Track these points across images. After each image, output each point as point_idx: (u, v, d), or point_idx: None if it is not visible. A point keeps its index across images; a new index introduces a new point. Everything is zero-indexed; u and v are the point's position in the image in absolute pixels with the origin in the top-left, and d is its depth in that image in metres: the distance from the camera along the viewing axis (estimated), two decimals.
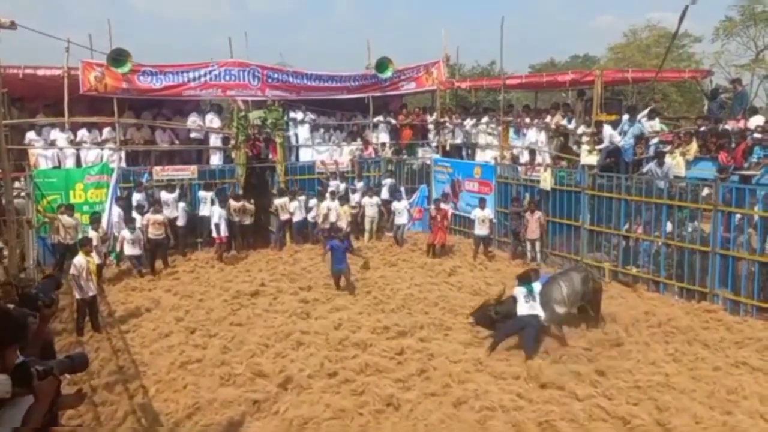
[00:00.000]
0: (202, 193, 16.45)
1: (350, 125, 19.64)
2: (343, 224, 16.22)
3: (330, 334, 10.54)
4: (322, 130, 19.12)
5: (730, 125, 13.59)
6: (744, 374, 8.76)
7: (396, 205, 17.38)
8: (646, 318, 10.98)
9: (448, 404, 8.11)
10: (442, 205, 16.29)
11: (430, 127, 19.99)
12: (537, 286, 9.99)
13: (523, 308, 9.75)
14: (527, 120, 17.29)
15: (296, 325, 11.08)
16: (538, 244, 14.98)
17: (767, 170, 11.95)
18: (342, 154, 18.92)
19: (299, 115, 18.56)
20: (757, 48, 35.11)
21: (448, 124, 19.39)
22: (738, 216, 11.45)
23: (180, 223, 16.04)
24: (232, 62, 17.52)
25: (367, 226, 17.47)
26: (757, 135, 12.82)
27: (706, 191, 11.97)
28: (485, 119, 18.43)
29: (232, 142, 17.02)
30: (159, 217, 14.87)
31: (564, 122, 16.32)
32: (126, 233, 14.10)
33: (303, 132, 18.61)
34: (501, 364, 9.29)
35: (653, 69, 17.15)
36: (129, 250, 14.20)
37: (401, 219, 17.28)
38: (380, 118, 19.61)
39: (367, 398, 8.31)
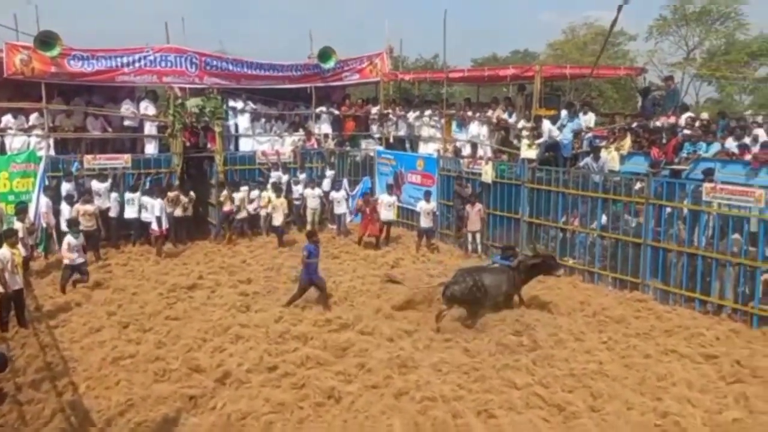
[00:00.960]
0: (128, 195, 15.61)
1: (292, 115, 19.37)
2: (279, 217, 16.00)
3: (270, 327, 10.35)
4: (263, 120, 18.79)
5: (661, 122, 14.09)
6: (673, 361, 9.08)
7: (334, 194, 17.25)
8: (581, 308, 11.27)
9: (389, 396, 8.10)
10: (383, 197, 16.26)
11: (374, 118, 19.92)
12: None
13: None
14: (469, 113, 17.46)
15: (235, 318, 10.85)
16: (478, 236, 15.14)
17: (696, 165, 12.43)
18: (284, 145, 18.64)
19: (239, 104, 18.18)
20: (688, 47, 36.65)
21: (391, 117, 19.38)
22: (668, 209, 11.86)
23: (112, 214, 15.46)
24: (168, 48, 16.98)
25: (309, 218, 17.28)
26: (686, 131, 13.35)
27: (638, 185, 12.35)
28: (428, 112, 18.51)
29: (169, 130, 16.49)
30: (89, 208, 14.27)
31: (505, 116, 16.56)
32: (71, 239, 12.29)
33: (243, 121, 18.25)
34: (441, 354, 9.34)
35: (590, 66, 17.57)
36: (70, 258, 12.29)
37: (340, 209, 17.19)
38: (323, 108, 19.42)
39: (308, 391, 8.22)
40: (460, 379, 8.54)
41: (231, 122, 18.06)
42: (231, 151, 17.82)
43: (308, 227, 17.17)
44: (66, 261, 12.33)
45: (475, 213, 14.92)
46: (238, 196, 16.35)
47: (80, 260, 12.47)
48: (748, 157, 11.91)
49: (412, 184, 17.67)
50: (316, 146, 18.82)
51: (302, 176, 17.81)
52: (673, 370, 8.73)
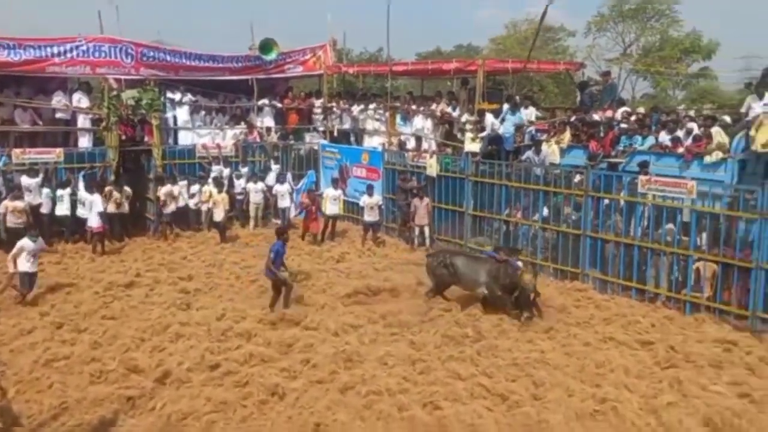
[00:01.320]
0: (59, 192, 14.87)
1: (233, 108, 18.98)
2: (220, 212, 15.63)
3: (212, 324, 10.14)
4: (203, 113, 18.36)
5: (599, 116, 14.44)
6: (611, 349, 9.32)
7: (278, 188, 16.96)
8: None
9: (334, 391, 8.04)
10: (328, 191, 16.09)
11: (317, 112, 19.71)
12: None
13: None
14: (413, 107, 17.48)
15: (175, 316, 10.56)
16: (427, 230, 15.09)
17: (632, 158, 12.80)
18: (225, 138, 18.24)
19: (178, 96, 17.73)
20: (625, 43, 37.76)
21: (335, 110, 19.23)
22: (606, 201, 12.17)
23: (44, 210, 14.80)
24: (102, 38, 16.39)
25: (252, 213, 16.99)
26: (623, 125, 13.73)
27: (578, 178, 12.62)
28: (372, 105, 18.44)
29: (103, 123, 15.89)
30: (19, 204, 13.65)
31: (449, 110, 16.66)
32: (27, 243, 11.30)
33: (182, 114, 17.79)
34: (387, 347, 9.33)
35: (531, 60, 17.86)
36: (24, 266, 11.19)
37: (284, 202, 16.92)
38: (265, 101, 19.10)
39: (251, 389, 8.09)
40: (405, 372, 8.54)
41: (169, 115, 17.62)
42: (170, 144, 17.35)
43: (251, 222, 16.93)
44: (21, 269, 11.12)
45: (423, 207, 14.90)
46: (174, 189, 15.89)
47: (33, 269, 11.32)
48: (680, 150, 12.33)
49: (358, 178, 17.59)
50: (258, 140, 18.49)
51: (244, 170, 17.48)
52: (611, 357, 8.97)
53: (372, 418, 7.47)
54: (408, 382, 8.25)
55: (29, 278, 11.29)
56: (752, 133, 11.39)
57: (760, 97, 11.94)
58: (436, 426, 7.24)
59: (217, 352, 9.17)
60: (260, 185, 16.95)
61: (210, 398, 7.84)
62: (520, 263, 10.75)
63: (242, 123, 18.75)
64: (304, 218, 15.95)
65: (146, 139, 16.81)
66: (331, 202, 15.82)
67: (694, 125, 12.86)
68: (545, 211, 13.18)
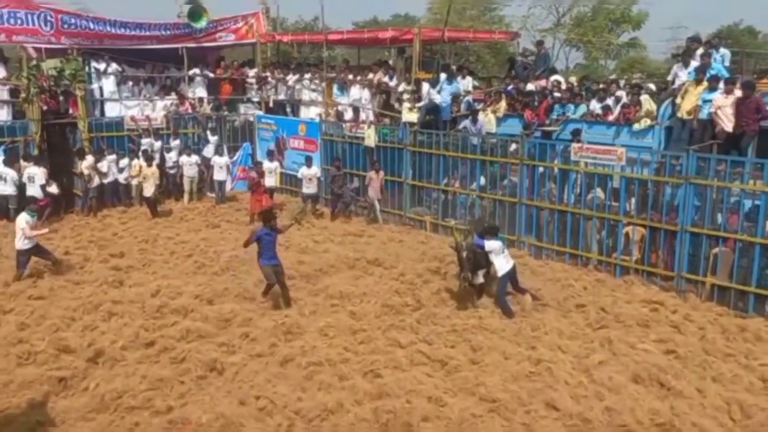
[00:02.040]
0: None
1: (163, 78, 18.27)
2: (151, 186, 15.03)
3: (146, 302, 9.87)
4: (130, 83, 17.59)
5: (533, 85, 14.65)
6: (544, 312, 9.58)
7: (216, 160, 16.49)
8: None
9: (274, 364, 7.99)
10: (265, 164, 15.72)
11: (251, 82, 19.22)
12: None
13: (503, 262, 9.67)
14: (350, 77, 17.27)
15: (107, 294, 10.22)
16: (378, 204, 14.73)
17: (565, 126, 13.06)
18: (155, 110, 17.59)
19: (103, 66, 16.91)
20: (559, 13, 38.36)
21: (270, 80, 18.79)
22: (541, 169, 12.41)
23: None
24: (17, 4, 15.42)
25: (186, 187, 16.52)
26: (556, 94, 13.98)
27: (513, 146, 12.80)
28: (308, 75, 18.11)
29: (23, 95, 15.03)
30: None
31: (386, 80, 16.54)
32: (28, 217, 10.83)
33: (108, 85, 17.05)
34: (327, 319, 9.32)
35: (468, 29, 17.88)
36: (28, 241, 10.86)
37: (221, 175, 16.47)
38: (196, 71, 18.45)
39: (189, 365, 7.95)
40: (346, 342, 8.57)
41: (95, 86, 16.83)
42: (96, 116, 16.61)
43: (186, 197, 16.46)
44: (26, 245, 10.77)
45: (378, 180, 14.48)
46: (104, 164, 15.25)
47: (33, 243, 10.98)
48: (611, 117, 12.66)
49: (295, 150, 17.32)
50: (190, 111, 17.90)
51: (175, 143, 16.92)
52: (545, 320, 9.24)
53: (313, 388, 7.46)
54: (348, 352, 8.28)
55: (38, 251, 11.14)
56: (678, 100, 11.79)
57: (686, 65, 12.37)
58: (377, 393, 7.29)
59: (153, 329, 8.96)
60: (194, 158, 16.46)
61: (146, 376, 7.67)
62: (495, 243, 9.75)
63: (173, 94, 18.08)
64: (252, 194, 15.17)
65: (71, 111, 16.04)
66: (268, 175, 15.53)
67: (622, 93, 13.21)
68: (482, 180, 13.34)
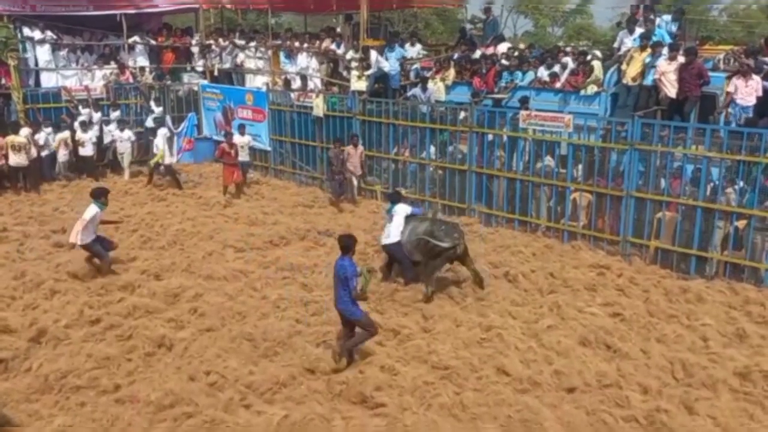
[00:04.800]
0: None
1: (101, 46, 17.47)
2: (88, 149, 14.49)
3: (91, 278, 9.55)
4: (66, 51, 16.75)
5: (481, 51, 14.62)
6: (495, 279, 9.68)
7: (160, 131, 15.70)
8: None
9: (225, 339, 7.86)
10: (236, 139, 14.70)
11: (195, 50, 18.57)
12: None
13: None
14: (297, 44, 16.88)
15: (49, 271, 9.82)
16: (356, 180, 14.05)
17: (514, 94, 13.10)
18: (94, 79, 16.84)
19: (37, 34, 16.06)
20: None
21: (214, 48, 18.19)
22: (490, 137, 12.45)
23: None
24: None
25: (124, 163, 15.78)
26: (504, 61, 13.98)
27: (463, 114, 12.78)
28: (253, 43, 17.61)
29: None
30: None
31: (333, 47, 16.23)
32: (97, 210, 9.89)
33: (43, 53, 16.18)
34: (279, 291, 9.21)
35: None
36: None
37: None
38: (136, 39, 17.69)
39: (136, 342, 7.80)
40: (298, 314, 8.49)
41: (29, 55, 15.96)
42: (31, 87, 15.80)
43: (126, 173, 15.73)
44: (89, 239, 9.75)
45: (357, 155, 13.77)
46: (41, 136, 14.57)
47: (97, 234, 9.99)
48: (558, 84, 12.75)
49: (244, 119, 16.89)
50: (131, 80, 17.21)
51: (115, 114, 16.25)
52: (496, 287, 9.35)
53: (264, 362, 7.39)
54: (301, 324, 8.22)
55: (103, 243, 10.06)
56: (623, 67, 11.95)
57: (631, 32, 12.51)
58: (329, 363, 7.27)
59: (97, 306, 8.73)
60: (127, 133, 15.66)
61: (91, 354, 7.47)
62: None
63: (112, 63, 17.32)
64: (225, 166, 14.31)
65: (3, 81, 15.22)
66: (240, 150, 14.64)
67: (569, 59, 13.30)
68: (432, 149, 13.31)
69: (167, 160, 14.77)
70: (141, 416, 6.40)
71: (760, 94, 10.34)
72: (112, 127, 15.83)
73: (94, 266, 9.87)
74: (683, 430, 6.18)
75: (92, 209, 9.74)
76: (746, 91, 10.35)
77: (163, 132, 15.12)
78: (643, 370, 7.21)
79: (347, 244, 7.29)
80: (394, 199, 9.85)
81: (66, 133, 15.04)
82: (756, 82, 10.32)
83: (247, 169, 15.28)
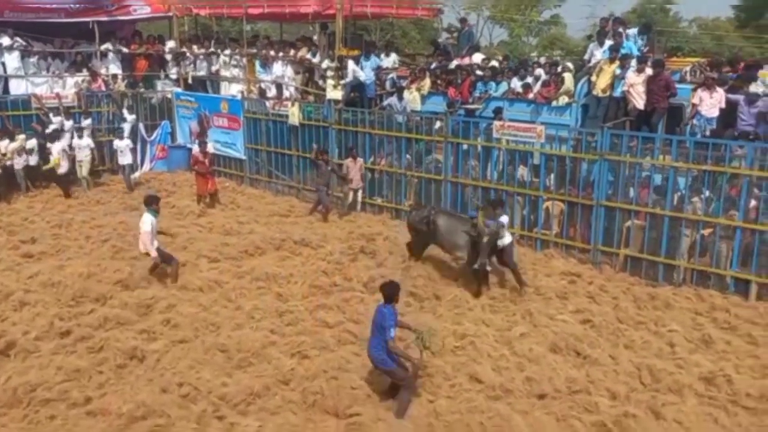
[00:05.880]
0: None
1: (73, 54, 17.30)
2: (65, 164, 14.25)
3: (61, 289, 9.42)
4: (36, 58, 16.52)
5: (457, 62, 14.77)
6: (463, 287, 9.74)
7: (117, 143, 15.60)
8: (390, 246, 11.55)
9: (198, 350, 7.83)
10: (209, 148, 14.67)
11: (168, 57, 18.47)
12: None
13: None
14: (272, 53, 16.89)
15: (18, 283, 9.68)
16: (360, 194, 13.78)
17: (488, 104, 13.26)
18: (65, 87, 16.63)
19: (6, 41, 15.83)
20: None
21: (188, 55, 18.12)
22: (465, 146, 12.58)
23: None
24: None
25: (80, 173, 15.30)
26: (479, 72, 14.15)
27: (438, 124, 12.91)
28: (227, 51, 17.58)
29: None
30: None
31: (309, 56, 16.27)
32: (152, 218, 9.88)
33: (12, 60, 15.94)
34: (253, 301, 9.20)
35: (390, 5, 17.72)
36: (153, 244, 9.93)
37: (125, 159, 15.58)
38: (109, 46, 17.53)
39: (107, 354, 7.74)
40: (272, 325, 8.49)
41: None
42: None
43: (84, 183, 15.35)
44: (154, 251, 9.79)
45: (357, 168, 13.52)
46: (11, 146, 14.34)
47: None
48: (531, 95, 12.94)
49: (220, 128, 16.82)
50: (103, 88, 17.04)
51: (87, 122, 16.05)
52: (468, 295, 9.44)
53: (238, 373, 7.38)
54: (275, 334, 8.22)
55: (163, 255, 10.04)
56: (593, 78, 12.17)
57: (601, 44, 12.76)
58: (304, 374, 7.28)
59: (68, 317, 8.62)
60: (86, 140, 15.27)
61: (61, 367, 7.40)
62: (504, 218, 9.63)
63: (84, 70, 17.15)
64: (197, 176, 14.24)
65: None
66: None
67: (541, 71, 13.52)
68: (408, 158, 13.40)
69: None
70: (112, 429, 6.36)
71: (723, 106, 10.60)
72: (85, 135, 15.47)
73: (155, 274, 9.95)
74: None
75: (147, 218, 9.74)
76: (710, 103, 10.61)
77: (61, 144, 14.86)
78: (612, 376, 7.36)
79: (390, 293, 6.74)
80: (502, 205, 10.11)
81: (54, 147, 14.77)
82: (720, 95, 10.59)
83: (131, 170, 15.72)
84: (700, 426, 6.48)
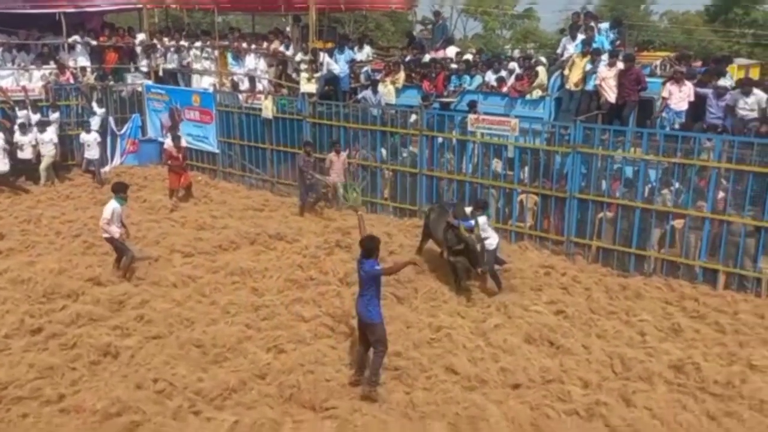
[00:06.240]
0: None
1: (39, 46, 16.90)
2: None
3: (31, 286, 9.27)
4: (1, 50, 16.13)
5: (431, 55, 14.80)
6: (449, 277, 9.77)
7: (84, 137, 15.32)
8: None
9: (173, 346, 7.76)
10: (182, 143, 14.53)
11: (138, 50, 18.16)
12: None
13: (493, 233, 9.62)
14: (244, 45, 16.73)
15: None
16: (341, 189, 13.23)
17: (462, 97, 13.32)
18: (32, 80, 16.27)
19: None
20: None
21: (159, 47, 17.84)
22: (440, 140, 12.63)
23: None
24: None
25: (42, 165, 14.90)
26: (453, 65, 14.21)
27: (413, 117, 12.93)
28: (198, 43, 17.35)
29: None
30: None
31: (282, 49, 16.16)
32: (116, 206, 9.81)
33: None
34: (228, 296, 9.15)
35: None
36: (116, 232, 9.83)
37: (92, 152, 15.28)
38: (77, 38, 17.18)
39: (80, 351, 7.64)
40: (248, 319, 8.45)
41: None
42: None
43: (43, 177, 14.93)
44: (116, 232, 9.70)
45: (340, 162, 13.18)
46: None
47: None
48: (504, 89, 13.04)
49: (192, 121, 16.62)
50: (72, 81, 16.71)
51: (54, 116, 15.73)
52: (443, 288, 9.51)
53: (214, 368, 7.34)
54: (251, 329, 8.19)
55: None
56: (566, 72, 12.30)
57: (573, 39, 12.89)
58: (280, 368, 7.28)
59: (39, 314, 8.49)
60: (48, 134, 14.88)
61: (33, 364, 7.30)
62: (474, 221, 9.34)
63: (51, 63, 16.79)
64: (170, 170, 14.02)
65: None
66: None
67: (515, 65, 13.62)
68: (383, 152, 13.40)
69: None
70: (87, 426, 6.30)
71: (692, 99, 10.80)
72: (52, 129, 15.11)
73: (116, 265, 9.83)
74: (621, 422, 6.45)
75: (110, 205, 9.64)
76: (679, 97, 10.79)
77: (91, 137, 14.84)
78: (584, 365, 7.49)
79: (370, 247, 6.88)
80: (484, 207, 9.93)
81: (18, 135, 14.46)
82: (688, 88, 10.78)
83: (98, 164, 15.41)
84: (670, 412, 6.63)
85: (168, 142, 14.36)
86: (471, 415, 6.52)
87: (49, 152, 14.92)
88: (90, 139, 15.31)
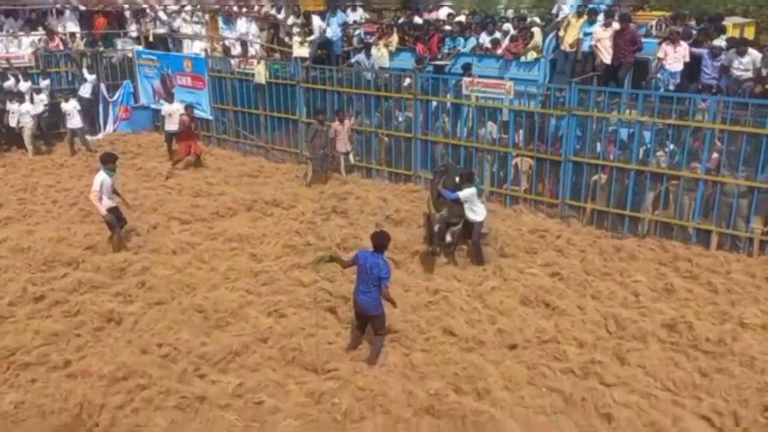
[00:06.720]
0: None
1: (26, 11, 16.60)
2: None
3: (32, 254, 9.33)
4: None
5: (424, 17, 14.66)
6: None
7: (64, 106, 14.90)
8: (361, 204, 11.58)
9: (176, 311, 7.88)
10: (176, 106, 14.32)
11: (127, 14, 17.87)
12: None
13: (482, 206, 9.41)
14: (235, 9, 16.48)
15: None
16: (351, 157, 13.24)
17: (457, 60, 13.23)
18: (21, 47, 16.04)
19: None
20: None
21: (148, 12, 17.55)
22: (434, 104, 12.59)
23: None
24: None
25: (25, 139, 14.64)
26: (447, 27, 14.08)
27: (407, 81, 12.85)
28: (188, 7, 17.08)
29: None
30: None
31: (273, 12, 15.94)
32: (106, 177, 9.55)
33: None
34: (227, 262, 9.23)
35: None
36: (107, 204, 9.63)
37: (73, 122, 14.88)
38: (65, 3, 16.88)
39: (84, 317, 7.75)
40: (248, 285, 8.56)
41: None
42: None
43: (30, 150, 14.63)
44: (104, 208, 9.49)
45: (345, 131, 12.92)
46: None
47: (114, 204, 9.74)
48: (499, 51, 12.95)
49: (184, 87, 16.47)
50: (61, 47, 16.48)
51: (45, 83, 15.55)
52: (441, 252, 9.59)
53: (217, 332, 7.47)
54: (251, 294, 8.30)
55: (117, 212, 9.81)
56: (561, 33, 12.22)
57: None
58: (282, 332, 7.41)
59: (41, 282, 8.59)
60: (26, 106, 14.51)
61: (38, 331, 7.42)
62: (471, 190, 9.16)
63: (40, 29, 16.52)
64: (181, 139, 13.96)
65: None
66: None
67: (510, 26, 13.51)
68: (377, 116, 13.36)
69: None
70: (95, 390, 6.42)
71: (687, 59, 10.79)
72: (44, 96, 14.89)
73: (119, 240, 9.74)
74: (615, 379, 6.64)
75: (99, 177, 9.47)
76: (674, 57, 10.78)
77: (70, 106, 14.60)
78: (579, 326, 7.65)
79: (381, 242, 6.89)
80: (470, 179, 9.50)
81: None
82: (684, 49, 10.76)
83: (81, 133, 15.04)
84: (662, 370, 6.81)
85: (166, 107, 14.23)
86: (469, 375, 6.68)
87: (27, 123, 14.53)
88: (69, 107, 14.80)
